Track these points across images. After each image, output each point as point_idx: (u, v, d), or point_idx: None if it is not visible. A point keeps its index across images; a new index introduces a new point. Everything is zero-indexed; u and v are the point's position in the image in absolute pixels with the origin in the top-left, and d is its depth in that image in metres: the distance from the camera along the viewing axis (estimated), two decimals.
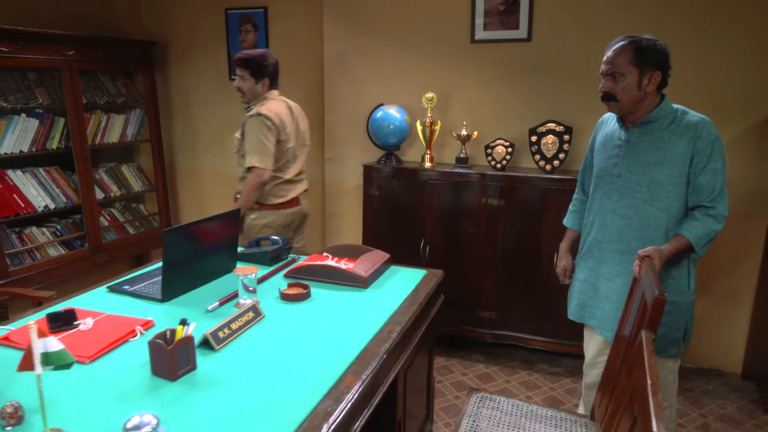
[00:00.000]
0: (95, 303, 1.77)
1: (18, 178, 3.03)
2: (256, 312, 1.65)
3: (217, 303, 1.75)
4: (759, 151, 2.66)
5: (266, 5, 3.52)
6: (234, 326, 1.54)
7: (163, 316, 1.67)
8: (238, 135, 2.61)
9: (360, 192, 3.41)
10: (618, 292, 1.82)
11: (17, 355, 1.40)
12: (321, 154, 3.58)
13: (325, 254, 2.20)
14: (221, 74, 3.77)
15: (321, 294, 1.86)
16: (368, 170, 3.08)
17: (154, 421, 1.08)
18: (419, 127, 3.05)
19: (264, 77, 2.60)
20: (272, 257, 2.17)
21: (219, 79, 3.79)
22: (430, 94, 3.02)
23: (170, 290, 1.78)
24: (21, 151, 3.00)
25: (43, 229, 3.21)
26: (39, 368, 1.06)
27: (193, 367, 1.35)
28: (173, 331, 1.35)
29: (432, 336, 2.06)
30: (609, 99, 1.76)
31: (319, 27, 3.40)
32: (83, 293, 1.87)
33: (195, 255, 1.87)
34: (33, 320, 1.62)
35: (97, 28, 3.58)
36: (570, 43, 2.87)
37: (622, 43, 1.71)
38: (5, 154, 2.93)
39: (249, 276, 1.73)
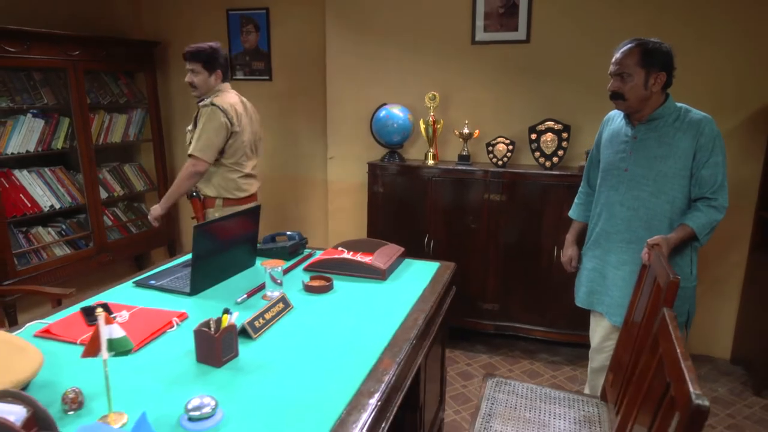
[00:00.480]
0: (124, 297, 1.81)
1: (24, 178, 3.05)
2: (285, 303, 1.72)
3: (245, 295, 1.81)
4: (745, 146, 2.81)
5: (268, 6, 3.58)
6: (267, 316, 1.61)
7: (194, 309, 1.72)
8: (190, 128, 2.63)
9: (362, 190, 3.49)
10: (625, 279, 1.94)
11: (60, 347, 1.47)
12: (324, 154, 3.64)
13: (340, 249, 2.27)
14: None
15: (342, 286, 1.94)
16: (373, 168, 3.16)
17: (213, 403, 1.15)
18: (422, 126, 3.14)
19: (216, 69, 2.62)
20: (290, 252, 2.24)
21: None
22: (432, 94, 3.11)
23: (198, 284, 1.84)
24: (27, 151, 3.01)
25: (49, 228, 3.22)
26: (105, 353, 1.11)
27: (236, 354, 1.42)
28: (216, 321, 1.41)
29: (445, 326, 2.15)
30: (617, 98, 1.87)
31: (321, 28, 3.46)
32: (110, 289, 1.91)
33: (220, 250, 1.93)
34: (67, 314, 1.67)
35: (99, 29, 3.60)
36: (567, 45, 2.98)
37: (630, 45, 1.82)
38: (12, 153, 2.94)
39: (276, 269, 1.80)
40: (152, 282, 1.93)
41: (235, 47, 3.71)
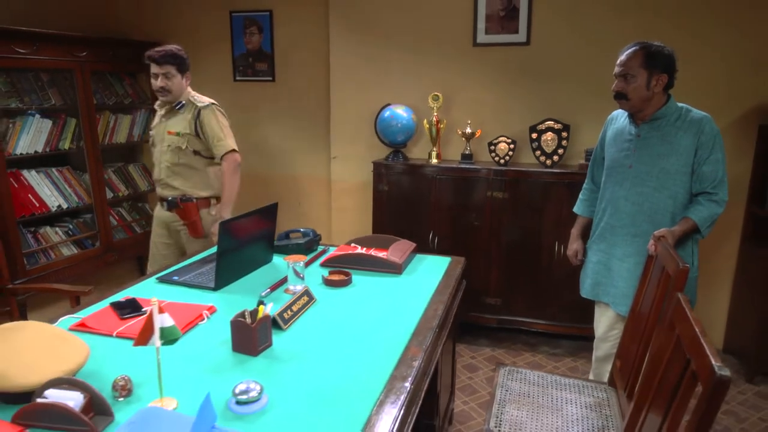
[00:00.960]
0: (150, 293, 1.86)
1: (33, 178, 3.07)
2: (309, 296, 1.78)
3: (269, 289, 1.87)
4: (738, 144, 2.92)
5: (271, 8, 3.63)
6: (295, 308, 1.68)
7: (220, 303, 1.78)
8: (184, 130, 2.55)
9: (365, 189, 3.56)
10: (630, 271, 2.04)
11: (96, 339, 1.52)
12: (327, 153, 3.71)
13: (353, 245, 2.34)
14: (225, 75, 3.86)
15: (360, 280, 2.01)
16: (378, 167, 3.23)
17: (259, 387, 1.21)
18: (426, 126, 3.22)
19: (186, 70, 2.59)
20: (305, 248, 2.30)
21: (223, 80, 3.87)
22: (436, 94, 3.20)
23: (222, 279, 1.90)
24: (36, 152, 3.03)
25: (56, 228, 3.24)
26: (158, 341, 1.17)
27: (270, 344, 1.48)
28: (250, 312, 1.48)
29: (457, 319, 2.23)
30: (621, 97, 1.96)
31: (324, 30, 3.53)
32: (133, 285, 1.96)
33: (241, 246, 1.99)
34: (99, 308, 1.72)
35: (101, 30, 3.62)
36: (566, 47, 3.08)
37: (634, 48, 1.92)
38: (21, 154, 2.96)
39: (299, 263, 1.86)
40: (175, 278, 1.98)
41: (238, 48, 3.76)
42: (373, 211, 3.31)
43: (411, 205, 3.21)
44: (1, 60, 2.77)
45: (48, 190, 3.13)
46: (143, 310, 1.68)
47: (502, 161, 3.10)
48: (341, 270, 2.04)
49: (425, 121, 3.24)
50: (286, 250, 2.28)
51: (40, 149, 3.06)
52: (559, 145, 3.03)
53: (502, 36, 3.17)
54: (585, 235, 2.36)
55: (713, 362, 0.92)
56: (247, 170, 3.97)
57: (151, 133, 2.70)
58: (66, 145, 3.20)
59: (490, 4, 3.14)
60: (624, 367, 1.79)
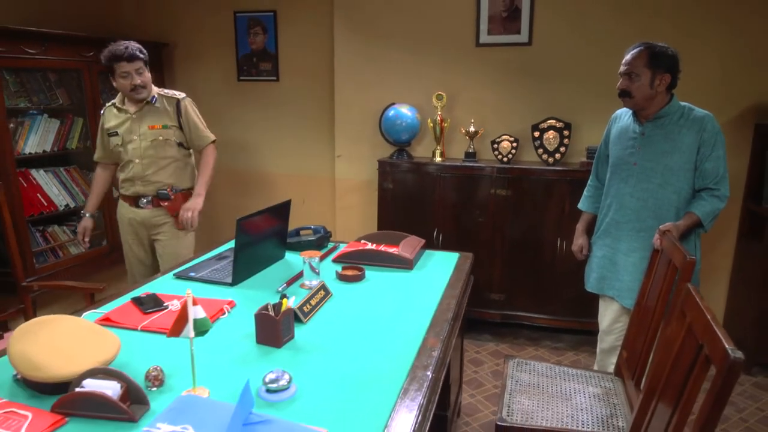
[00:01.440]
0: (168, 289, 1.90)
1: (41, 177, 3.09)
2: (326, 290, 1.83)
3: (285, 284, 1.92)
4: (735, 142, 2.99)
5: (275, 9, 3.67)
6: (313, 302, 1.72)
7: (237, 298, 1.82)
8: (170, 123, 2.57)
9: (369, 187, 3.61)
10: (635, 265, 2.10)
11: (121, 333, 1.55)
12: (331, 152, 3.75)
13: (363, 241, 2.39)
14: (229, 76, 3.89)
15: (372, 275, 2.05)
16: (383, 165, 3.28)
17: (288, 376, 1.26)
18: (430, 124, 3.28)
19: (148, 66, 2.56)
20: (316, 245, 2.35)
21: (227, 80, 3.91)
22: (439, 93, 3.25)
23: (239, 274, 1.94)
24: (44, 151, 3.06)
25: (64, 227, 3.26)
26: (192, 332, 1.22)
27: (293, 336, 1.53)
28: (274, 305, 1.52)
29: (465, 314, 2.28)
30: (625, 95, 2.03)
31: (328, 30, 3.57)
32: (151, 281, 2.00)
33: (257, 242, 2.04)
34: (120, 304, 1.76)
35: (105, 30, 3.64)
36: (567, 47, 3.15)
37: (639, 48, 1.98)
38: (29, 153, 2.99)
39: (314, 259, 1.91)
40: (192, 274, 2.02)
41: (242, 48, 3.79)
42: (378, 209, 3.36)
43: (415, 202, 3.27)
44: (11, 60, 2.79)
45: (56, 190, 3.15)
46: (165, 304, 1.72)
47: (504, 159, 3.16)
48: (354, 265, 2.09)
49: (429, 120, 3.29)
50: (297, 247, 2.32)
51: (48, 149, 3.08)
52: (561, 144, 3.09)
53: (504, 36, 3.23)
54: (589, 230, 2.42)
55: (727, 345, 0.98)
56: (251, 169, 4.03)
57: (116, 132, 2.56)
58: (73, 144, 3.23)
59: (492, 5, 3.20)
60: (631, 358, 1.85)
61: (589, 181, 2.41)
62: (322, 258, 2.25)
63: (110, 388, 1.16)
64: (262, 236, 2.08)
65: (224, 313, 1.69)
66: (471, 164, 3.16)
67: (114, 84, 2.53)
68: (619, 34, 3.02)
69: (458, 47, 3.32)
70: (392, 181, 3.28)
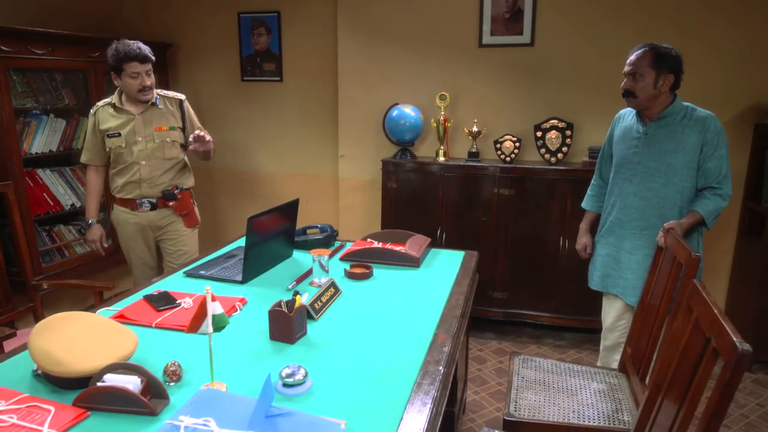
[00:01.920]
0: (179, 287, 1.92)
1: (47, 177, 3.11)
2: (335, 288, 1.86)
3: (294, 282, 1.94)
4: (735, 142, 3.02)
5: (279, 9, 3.69)
6: (324, 299, 1.75)
7: (249, 295, 1.85)
8: (176, 124, 2.59)
9: (373, 186, 3.64)
10: (639, 263, 2.13)
11: (136, 330, 1.57)
12: (334, 152, 3.78)
13: (369, 240, 2.42)
14: (233, 76, 3.91)
15: (379, 273, 2.08)
16: (387, 165, 3.31)
17: (303, 371, 1.29)
18: (434, 124, 3.31)
19: None
20: (324, 243, 2.37)
21: (231, 81, 3.93)
22: (443, 94, 3.28)
23: (249, 273, 1.97)
24: (51, 151, 3.08)
25: (70, 227, 3.28)
26: (210, 328, 1.24)
27: (305, 332, 1.56)
28: (287, 302, 1.55)
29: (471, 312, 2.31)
30: (629, 95, 2.06)
31: (332, 31, 3.60)
32: (161, 279, 2.02)
33: (266, 241, 2.06)
34: (133, 302, 1.78)
35: (108, 31, 3.66)
36: (569, 48, 3.18)
37: (643, 48, 2.01)
38: (35, 153, 3.01)
39: (324, 257, 1.94)
40: (202, 272, 2.05)
41: (246, 49, 3.82)
42: (381, 208, 3.38)
43: (419, 201, 3.30)
44: (19, 60, 2.81)
45: (62, 189, 3.17)
46: (177, 302, 1.75)
47: (507, 159, 3.19)
48: (362, 264, 2.12)
49: (432, 120, 3.32)
50: (305, 246, 2.35)
51: (54, 149, 3.10)
52: (563, 143, 3.12)
53: (507, 37, 3.26)
54: (593, 229, 2.45)
55: (734, 338, 1.01)
56: (255, 169, 4.06)
57: (118, 134, 2.49)
58: (79, 144, 3.24)
59: (495, 6, 3.23)
60: (635, 354, 1.88)
61: (592, 180, 2.44)
62: (330, 256, 2.28)
63: (131, 383, 1.19)
64: (272, 235, 2.10)
65: (236, 311, 1.72)
66: (474, 164, 3.20)
67: (117, 83, 2.48)
68: (620, 35, 3.06)
69: (461, 48, 3.35)
70: (396, 181, 3.31)
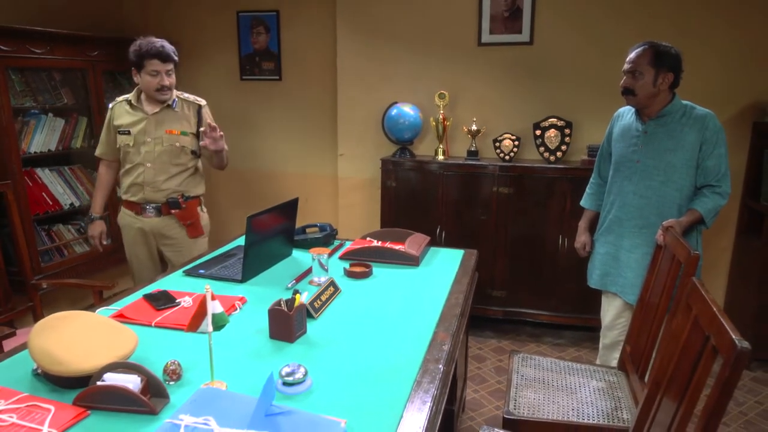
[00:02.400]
0: (178, 286, 1.92)
1: (46, 176, 3.11)
2: (335, 287, 1.86)
3: (294, 281, 1.95)
4: (734, 140, 3.02)
5: (278, 8, 3.69)
6: (323, 298, 1.75)
7: (248, 294, 1.85)
8: (190, 129, 2.51)
9: (372, 185, 3.64)
10: (638, 261, 2.14)
11: (135, 329, 1.57)
12: (333, 151, 3.78)
13: (368, 239, 2.42)
14: (232, 75, 3.91)
15: (379, 272, 2.08)
16: (386, 163, 3.31)
17: (303, 370, 1.29)
18: (433, 123, 3.31)
19: None
20: (323, 242, 2.37)
21: (230, 79, 3.92)
22: (442, 92, 3.28)
23: (249, 271, 1.97)
24: (49, 150, 3.08)
25: (69, 226, 3.28)
26: (210, 326, 1.24)
27: (305, 331, 1.56)
28: (286, 301, 1.55)
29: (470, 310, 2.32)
30: (628, 93, 2.07)
31: (331, 30, 3.60)
32: (161, 279, 2.02)
33: (266, 240, 2.06)
34: (132, 301, 1.78)
35: (107, 30, 3.65)
36: (568, 47, 3.18)
37: (643, 47, 2.02)
38: (34, 152, 3.01)
39: (323, 256, 1.94)
40: (201, 271, 2.05)
41: (245, 48, 3.81)
42: (381, 207, 3.39)
43: (418, 200, 3.30)
44: (17, 60, 2.81)
45: (61, 189, 3.17)
46: (177, 301, 1.75)
47: (507, 157, 3.19)
48: (361, 262, 2.12)
49: (432, 118, 3.32)
50: (304, 245, 2.35)
51: (53, 148, 3.10)
52: (562, 142, 3.13)
53: (506, 36, 3.26)
54: (591, 227, 2.45)
55: (733, 336, 1.01)
56: (254, 168, 4.05)
57: (128, 131, 2.44)
58: (78, 143, 3.25)
59: (494, 4, 3.23)
60: (635, 352, 1.89)
61: (591, 179, 2.45)
62: (329, 255, 2.28)
63: (131, 382, 1.19)
64: (271, 234, 2.10)
65: (236, 309, 1.72)
66: (473, 162, 3.20)
67: (136, 79, 2.42)
68: (619, 34, 3.06)
69: (460, 46, 3.35)
70: (395, 180, 3.31)
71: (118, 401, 1.17)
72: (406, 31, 3.42)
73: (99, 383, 1.19)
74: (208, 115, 2.57)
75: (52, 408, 1.17)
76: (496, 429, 1.58)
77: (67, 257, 3.21)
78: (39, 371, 1.31)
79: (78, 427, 1.14)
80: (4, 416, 1.13)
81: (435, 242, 3.22)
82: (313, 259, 1.94)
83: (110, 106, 2.53)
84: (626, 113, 2.22)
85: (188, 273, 2.05)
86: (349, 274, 2.03)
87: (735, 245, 3.18)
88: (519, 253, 3.20)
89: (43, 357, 1.24)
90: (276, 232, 2.14)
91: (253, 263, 1.98)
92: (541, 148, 3.17)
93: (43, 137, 3.04)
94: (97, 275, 3.31)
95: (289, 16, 3.70)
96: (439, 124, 3.29)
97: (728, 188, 2.02)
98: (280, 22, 3.71)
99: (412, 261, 2.16)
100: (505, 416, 1.74)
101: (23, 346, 1.43)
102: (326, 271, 1.95)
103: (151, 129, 2.45)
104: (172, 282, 1.98)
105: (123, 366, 1.24)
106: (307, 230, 2.47)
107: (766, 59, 2.95)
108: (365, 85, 3.55)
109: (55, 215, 3.17)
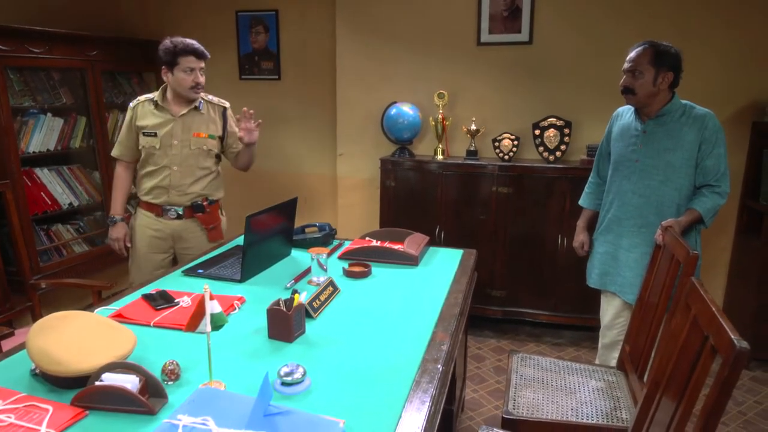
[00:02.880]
0: (177, 286, 1.92)
1: (45, 176, 3.11)
2: (334, 286, 1.86)
3: (293, 280, 1.94)
4: (733, 140, 3.02)
5: (277, 8, 3.69)
6: (322, 298, 1.75)
7: (247, 294, 1.85)
8: (216, 133, 2.47)
9: (371, 185, 3.64)
10: (637, 261, 2.14)
11: (134, 329, 1.57)
12: (332, 150, 3.78)
13: (367, 239, 2.42)
14: (231, 74, 3.91)
15: (378, 272, 2.08)
16: (385, 163, 3.31)
17: (302, 370, 1.29)
18: (432, 123, 3.31)
19: None
20: (322, 242, 2.37)
21: (229, 79, 3.92)
22: (441, 92, 3.28)
23: (248, 271, 1.96)
24: (48, 150, 3.07)
25: (68, 226, 3.28)
26: (209, 326, 1.24)
27: (304, 331, 1.56)
28: (285, 301, 1.55)
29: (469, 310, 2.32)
30: (628, 92, 2.07)
31: (330, 29, 3.59)
32: (160, 278, 2.02)
33: (265, 240, 2.06)
34: (131, 301, 1.78)
35: (106, 29, 3.65)
36: (568, 46, 3.18)
37: (643, 46, 2.02)
38: (33, 152, 3.00)
39: (323, 256, 1.94)
40: (200, 271, 2.05)
41: (244, 47, 3.81)
42: (380, 207, 3.39)
43: (417, 200, 3.30)
44: (16, 59, 2.81)
45: (60, 188, 3.17)
46: (175, 301, 1.75)
47: (506, 157, 3.19)
48: (360, 262, 2.12)
49: (431, 118, 3.32)
50: (303, 244, 2.35)
51: (51, 148, 3.10)
52: (562, 141, 3.13)
53: (505, 35, 3.26)
54: (590, 227, 2.45)
55: (732, 336, 1.01)
56: (253, 167, 4.00)
57: (154, 133, 2.38)
58: (77, 143, 3.24)
59: (493, 4, 3.23)
60: (634, 351, 1.89)
61: (590, 178, 2.45)
62: (328, 254, 2.28)
63: (129, 382, 1.19)
64: (270, 233, 2.10)
65: (235, 309, 1.72)
66: (472, 162, 3.20)
67: (166, 78, 2.35)
68: (619, 34, 3.06)
69: (460, 46, 3.35)
70: (394, 179, 3.31)
71: (116, 401, 1.17)
72: (405, 31, 3.42)
73: (97, 383, 1.19)
74: (232, 119, 2.52)
75: (51, 408, 1.17)
76: (495, 429, 1.58)
77: (65, 257, 3.20)
78: (37, 371, 1.31)
79: (76, 427, 1.13)
80: (2, 416, 1.13)
81: (434, 242, 3.23)
82: (312, 259, 1.93)
83: (131, 105, 2.44)
84: (625, 112, 2.22)
85: (187, 273, 2.05)
86: (348, 274, 2.03)
87: (734, 245, 3.18)
88: (518, 252, 3.20)
89: (41, 357, 1.24)
90: (275, 231, 2.14)
91: (251, 263, 1.98)
92: (541, 148, 3.16)
93: (41, 137, 3.03)
94: (96, 275, 3.31)
95: (288, 15, 3.70)
96: (439, 123, 3.29)
97: (727, 188, 2.02)
98: (279, 21, 3.71)
99: (411, 261, 2.15)
100: (504, 416, 1.73)
101: (21, 346, 1.43)
102: (325, 270, 1.95)
103: (179, 132, 2.39)
104: (171, 282, 1.98)
105: (121, 366, 1.23)
106: (306, 230, 2.47)
107: (766, 59, 2.95)
108: (364, 84, 3.55)
109: (54, 215, 3.16)
